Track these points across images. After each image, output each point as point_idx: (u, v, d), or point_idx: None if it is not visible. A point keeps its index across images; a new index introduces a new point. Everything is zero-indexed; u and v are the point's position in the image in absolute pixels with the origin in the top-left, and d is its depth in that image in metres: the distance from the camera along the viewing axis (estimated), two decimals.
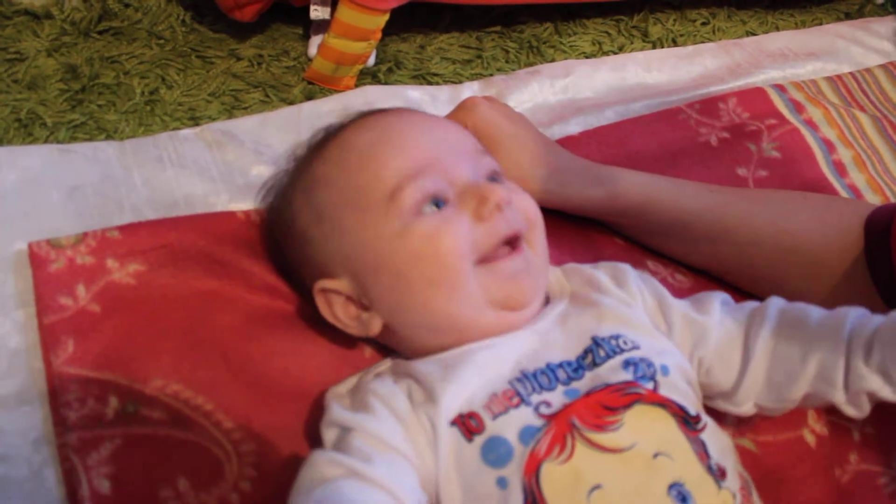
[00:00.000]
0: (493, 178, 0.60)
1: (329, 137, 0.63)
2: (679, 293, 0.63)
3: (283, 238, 0.64)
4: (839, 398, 0.55)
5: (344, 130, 0.63)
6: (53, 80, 0.87)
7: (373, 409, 0.53)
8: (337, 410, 0.54)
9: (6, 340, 0.62)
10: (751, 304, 0.60)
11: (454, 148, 0.60)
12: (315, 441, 0.57)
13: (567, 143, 0.82)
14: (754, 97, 0.91)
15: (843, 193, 0.85)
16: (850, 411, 0.56)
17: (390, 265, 0.56)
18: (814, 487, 0.63)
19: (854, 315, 0.56)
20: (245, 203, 0.73)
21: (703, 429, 0.53)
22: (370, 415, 0.52)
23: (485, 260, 0.56)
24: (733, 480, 0.53)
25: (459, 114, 0.72)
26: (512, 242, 0.57)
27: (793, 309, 0.59)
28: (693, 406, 0.55)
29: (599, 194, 0.72)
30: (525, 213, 0.59)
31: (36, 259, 0.64)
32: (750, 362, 0.57)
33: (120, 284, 0.64)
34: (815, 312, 0.58)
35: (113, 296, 0.63)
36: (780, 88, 0.93)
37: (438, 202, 0.57)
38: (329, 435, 0.53)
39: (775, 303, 0.60)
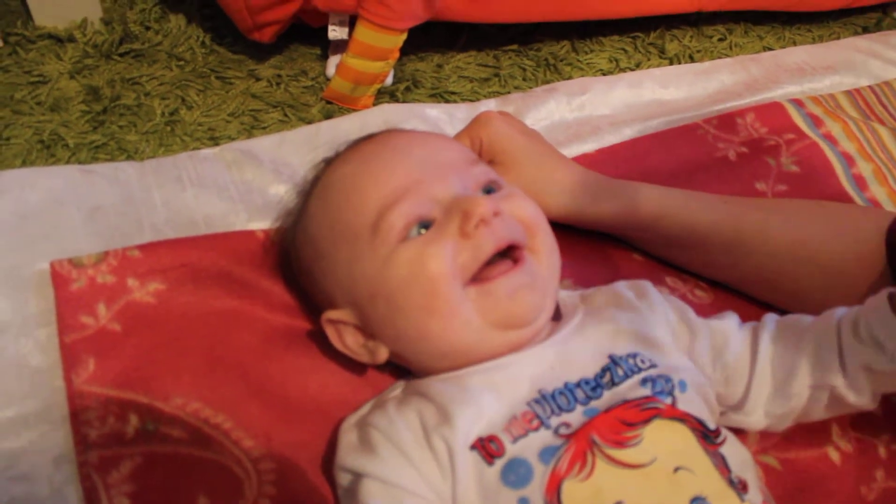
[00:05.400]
0: (490, 187, 0.59)
1: (319, 173, 0.64)
2: (699, 309, 0.63)
3: (295, 271, 0.65)
4: (839, 382, 0.55)
5: (329, 165, 0.63)
6: (75, 102, 0.88)
7: (376, 449, 0.53)
8: (344, 455, 0.55)
9: (28, 359, 0.62)
10: (753, 322, 0.61)
11: (438, 164, 0.58)
12: (332, 464, 0.57)
13: (583, 160, 0.81)
14: (772, 112, 0.91)
15: None
16: (852, 398, 0.56)
17: (383, 294, 0.56)
18: None
19: (844, 308, 0.57)
20: (264, 222, 0.73)
21: (722, 442, 0.53)
22: (374, 457, 0.52)
23: (478, 279, 0.55)
24: (755, 494, 0.52)
25: (474, 128, 0.72)
26: (512, 254, 0.56)
27: (790, 317, 0.60)
28: (711, 421, 0.54)
29: (613, 208, 0.71)
30: (523, 219, 0.58)
31: (58, 278, 0.64)
32: (756, 368, 0.58)
33: (140, 303, 0.64)
34: (809, 317, 0.59)
35: (133, 314, 0.63)
36: (797, 103, 0.92)
37: (425, 223, 0.56)
38: (342, 480, 0.54)
39: (773, 315, 0.61)
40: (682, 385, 0.55)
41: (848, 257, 0.66)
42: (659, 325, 0.60)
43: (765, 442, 0.63)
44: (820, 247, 0.68)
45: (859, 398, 0.56)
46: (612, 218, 0.72)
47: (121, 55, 0.95)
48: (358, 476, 0.53)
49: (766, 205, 0.74)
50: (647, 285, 0.63)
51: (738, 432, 0.58)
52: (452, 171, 0.58)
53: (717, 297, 0.73)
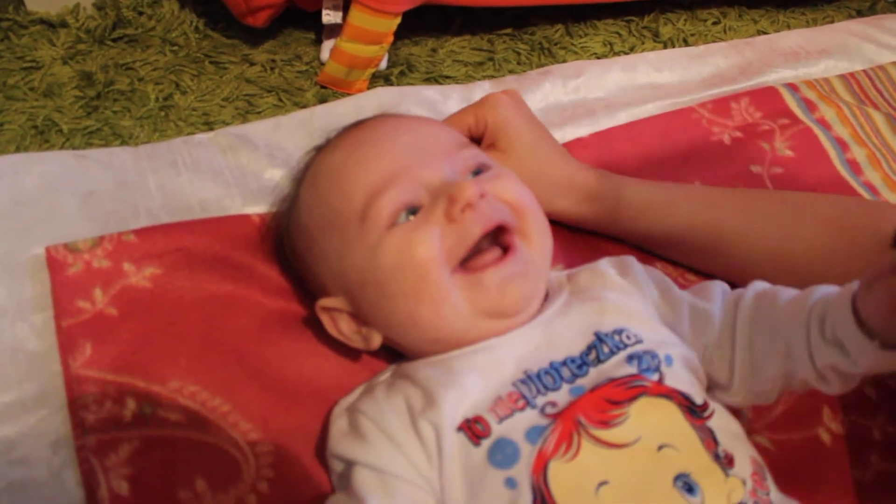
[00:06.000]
0: (478, 170, 0.59)
1: (310, 160, 0.64)
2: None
3: (289, 258, 0.66)
4: (809, 375, 0.54)
5: (319, 152, 0.63)
6: (69, 88, 0.88)
7: (365, 436, 0.53)
8: (336, 442, 0.55)
9: (24, 344, 0.62)
10: (737, 291, 0.59)
11: (426, 150, 0.58)
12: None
13: (577, 144, 0.82)
14: (767, 97, 0.91)
15: (861, 191, 0.84)
16: (823, 388, 0.54)
17: (372, 281, 0.56)
18: (831, 486, 0.63)
19: (820, 291, 0.54)
20: (259, 206, 0.73)
21: (709, 416, 0.53)
22: (365, 445, 0.53)
23: (468, 268, 0.55)
24: (743, 466, 0.52)
25: (481, 110, 0.71)
26: (502, 240, 0.56)
27: (769, 290, 0.58)
28: (699, 395, 0.54)
29: (592, 210, 0.72)
30: (510, 201, 0.57)
31: (53, 263, 0.64)
32: (736, 347, 0.57)
33: (136, 288, 0.64)
34: (787, 292, 0.56)
35: (129, 299, 0.63)
36: (792, 88, 0.92)
37: (413, 209, 0.56)
38: (335, 466, 0.55)
39: (754, 286, 0.59)
40: (669, 360, 0.55)
41: (835, 272, 0.62)
42: (643, 301, 0.60)
43: (757, 422, 0.64)
44: (803, 260, 0.66)
45: (831, 389, 0.54)
46: (590, 219, 0.72)
47: (114, 40, 0.94)
48: (350, 464, 0.53)
49: (750, 204, 0.71)
50: (631, 261, 0.63)
51: (731, 410, 0.59)
52: (441, 156, 0.58)
53: (710, 278, 0.72)
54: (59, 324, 0.62)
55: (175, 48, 0.95)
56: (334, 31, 0.93)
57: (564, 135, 0.84)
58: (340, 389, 0.60)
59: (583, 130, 0.85)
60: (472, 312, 0.55)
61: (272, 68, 0.95)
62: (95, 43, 0.94)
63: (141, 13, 0.98)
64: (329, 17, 0.91)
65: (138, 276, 0.65)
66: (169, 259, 0.66)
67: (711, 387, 0.59)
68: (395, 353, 0.62)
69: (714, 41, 1.06)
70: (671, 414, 0.52)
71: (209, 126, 0.87)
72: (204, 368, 0.61)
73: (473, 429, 0.52)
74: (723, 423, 0.54)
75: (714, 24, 1.12)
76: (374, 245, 0.55)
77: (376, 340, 0.59)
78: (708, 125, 0.87)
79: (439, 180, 0.56)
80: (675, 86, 0.93)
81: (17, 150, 0.81)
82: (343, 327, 0.60)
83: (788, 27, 1.13)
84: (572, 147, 0.80)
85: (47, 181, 0.72)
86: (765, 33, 1.10)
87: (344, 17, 0.90)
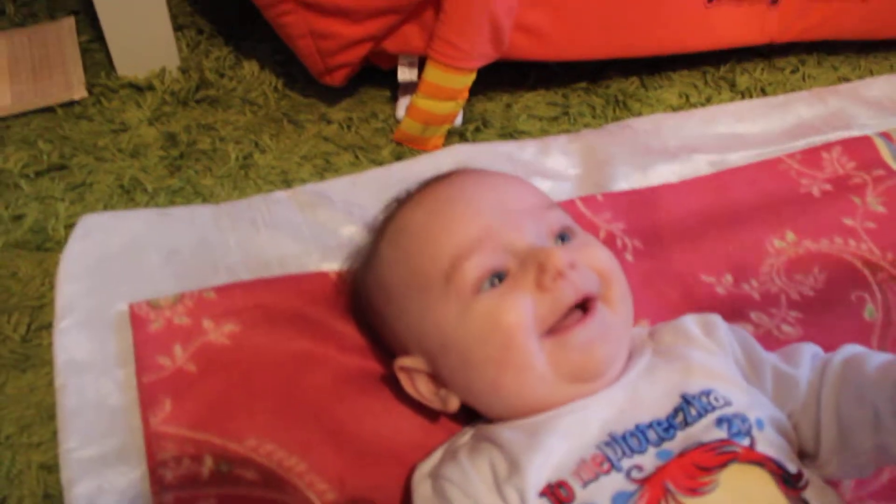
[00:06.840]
0: (564, 233, 0.58)
1: (391, 214, 0.63)
2: (785, 345, 0.60)
3: (366, 312, 0.65)
4: None
5: (402, 207, 0.62)
6: (154, 148, 0.91)
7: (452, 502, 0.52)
8: None
9: (107, 399, 0.63)
10: (827, 356, 0.57)
11: (511, 210, 0.57)
12: None
13: (667, 191, 0.80)
14: (860, 146, 0.87)
15: None
16: None
17: (455, 347, 0.55)
18: None
19: None
20: (336, 263, 0.73)
21: (804, 486, 0.50)
22: None
23: (553, 331, 0.54)
24: None
25: None
26: (584, 305, 0.55)
27: (858, 355, 0.55)
28: (792, 462, 0.51)
29: None
30: (598, 269, 0.57)
31: (136, 319, 0.65)
32: (821, 415, 0.54)
33: (215, 345, 0.65)
34: (875, 359, 0.53)
35: (209, 356, 0.64)
36: (887, 137, 0.88)
37: (500, 275, 0.55)
38: None
39: (844, 350, 0.56)
40: (760, 424, 0.52)
41: None
42: (728, 361, 0.58)
43: (860, 490, 0.60)
44: None
45: None
46: None
47: (197, 102, 0.97)
48: None
49: None
50: (715, 320, 0.60)
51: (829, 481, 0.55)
52: (526, 218, 0.57)
53: (807, 334, 0.69)
54: (140, 380, 0.62)
55: (255, 108, 0.97)
56: (410, 88, 0.94)
57: (649, 178, 0.82)
58: (418, 450, 0.59)
59: (667, 175, 0.83)
60: (555, 378, 0.54)
61: (349, 126, 0.96)
62: (179, 104, 0.97)
63: (223, 75, 1.01)
64: (405, 74, 0.92)
65: (217, 333, 0.65)
66: (247, 316, 0.66)
67: (800, 456, 0.56)
68: (472, 413, 0.61)
69: (793, 90, 1.03)
70: (764, 483, 0.50)
71: (287, 184, 0.88)
72: (281, 426, 0.60)
73: (557, 493, 0.50)
74: (819, 495, 0.50)
75: (792, 72, 1.09)
76: (460, 311, 0.55)
77: (454, 403, 0.59)
78: (797, 176, 0.84)
79: (525, 244, 0.56)
80: (758, 136, 0.91)
81: (105, 208, 0.84)
82: (421, 387, 0.59)
83: (871, 73, 1.09)
84: (661, 191, 0.79)
85: (132, 239, 0.74)
86: (846, 80, 1.06)
87: (419, 75, 0.91)
